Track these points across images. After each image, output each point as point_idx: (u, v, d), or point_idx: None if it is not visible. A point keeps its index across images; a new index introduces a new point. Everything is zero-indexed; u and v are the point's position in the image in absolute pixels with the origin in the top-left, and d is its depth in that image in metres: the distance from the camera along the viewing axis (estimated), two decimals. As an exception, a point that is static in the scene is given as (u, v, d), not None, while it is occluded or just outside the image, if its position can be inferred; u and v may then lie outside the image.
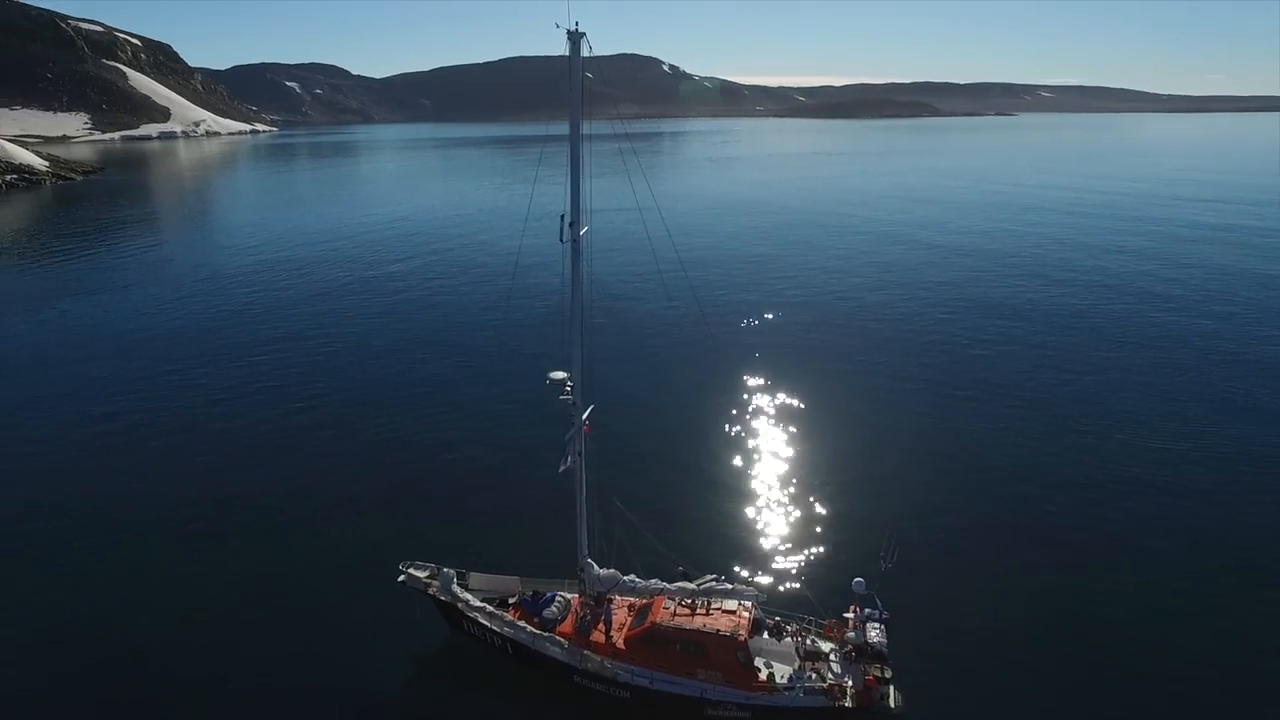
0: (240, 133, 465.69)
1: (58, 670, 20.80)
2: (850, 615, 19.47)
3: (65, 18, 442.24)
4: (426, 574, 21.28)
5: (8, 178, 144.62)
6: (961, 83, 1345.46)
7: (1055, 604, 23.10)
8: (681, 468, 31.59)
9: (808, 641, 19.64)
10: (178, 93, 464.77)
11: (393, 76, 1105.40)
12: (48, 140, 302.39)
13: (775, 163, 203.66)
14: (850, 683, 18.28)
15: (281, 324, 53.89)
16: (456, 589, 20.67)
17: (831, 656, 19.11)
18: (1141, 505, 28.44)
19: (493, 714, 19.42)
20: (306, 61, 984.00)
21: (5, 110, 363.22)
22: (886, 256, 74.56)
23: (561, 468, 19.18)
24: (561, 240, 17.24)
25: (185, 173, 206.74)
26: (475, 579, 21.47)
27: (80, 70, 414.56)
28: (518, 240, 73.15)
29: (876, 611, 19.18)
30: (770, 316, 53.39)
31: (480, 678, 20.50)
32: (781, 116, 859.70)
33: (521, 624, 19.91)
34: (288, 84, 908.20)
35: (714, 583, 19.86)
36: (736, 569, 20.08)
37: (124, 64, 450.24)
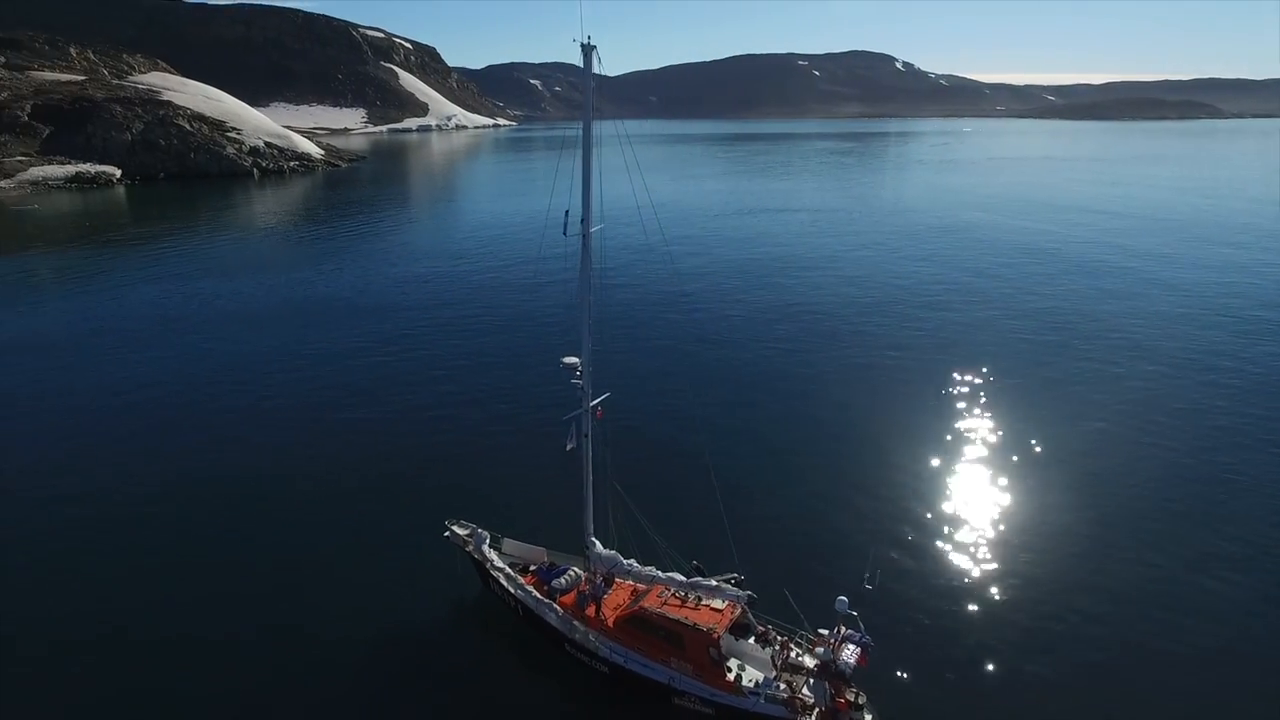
0: (484, 126, 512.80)
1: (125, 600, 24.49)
2: (826, 632, 19.53)
3: (356, 26, 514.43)
4: (467, 532, 24.18)
5: (291, 164, 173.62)
6: (1256, 78, 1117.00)
7: (1082, 652, 21.27)
8: (704, 467, 30.91)
9: (792, 654, 19.95)
10: (437, 90, 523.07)
11: (624, 74, 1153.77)
12: (333, 132, 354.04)
13: (994, 167, 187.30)
14: (814, 700, 18.49)
15: (434, 295, 61.93)
16: (486, 550, 23.40)
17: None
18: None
19: (496, 665, 21.81)
20: (550, 61, 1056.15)
21: (305, 106, 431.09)
22: (1006, 268, 69.66)
23: (568, 446, 21.05)
24: (565, 234, 19.01)
25: (430, 161, 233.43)
26: (508, 544, 24.06)
27: (363, 71, 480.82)
28: (681, 231, 74.91)
29: (856, 634, 19.05)
30: (849, 327, 52.41)
31: (496, 633, 22.96)
32: (1023, 117, 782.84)
33: (530, 589, 22.18)
34: (531, 81, 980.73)
35: (729, 583, 20.72)
36: (743, 572, 20.80)
37: (397, 65, 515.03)
